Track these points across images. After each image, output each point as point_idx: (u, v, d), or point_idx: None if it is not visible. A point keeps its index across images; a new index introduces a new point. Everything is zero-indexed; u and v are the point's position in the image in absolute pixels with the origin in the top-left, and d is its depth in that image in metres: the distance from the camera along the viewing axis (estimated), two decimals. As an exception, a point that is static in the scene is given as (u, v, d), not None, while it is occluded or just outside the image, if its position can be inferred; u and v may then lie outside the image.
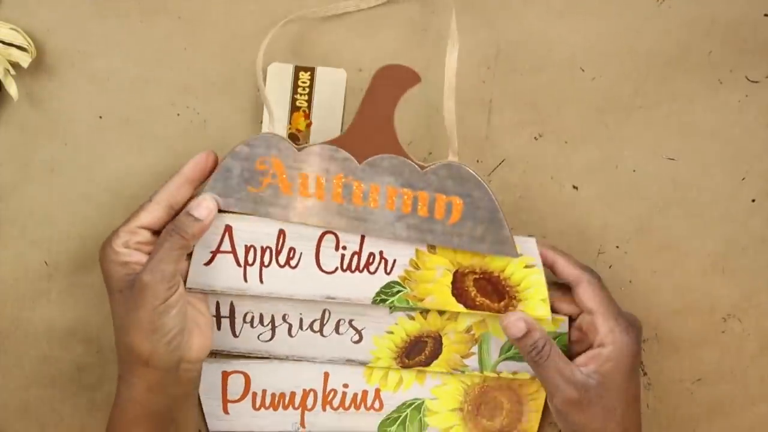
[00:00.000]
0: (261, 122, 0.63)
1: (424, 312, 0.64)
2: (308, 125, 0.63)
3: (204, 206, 0.59)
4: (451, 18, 0.60)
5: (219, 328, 0.65)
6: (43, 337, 0.67)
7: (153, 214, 0.59)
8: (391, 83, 0.57)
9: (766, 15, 0.63)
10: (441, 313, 0.64)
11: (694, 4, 0.62)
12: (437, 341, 0.65)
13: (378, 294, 0.62)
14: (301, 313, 0.64)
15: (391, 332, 0.65)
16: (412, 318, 0.64)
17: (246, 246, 0.61)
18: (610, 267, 0.67)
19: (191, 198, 0.60)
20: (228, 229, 0.60)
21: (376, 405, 0.67)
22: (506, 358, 0.65)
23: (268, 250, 0.61)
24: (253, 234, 0.61)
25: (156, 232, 0.59)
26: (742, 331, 0.69)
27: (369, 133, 0.58)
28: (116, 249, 0.58)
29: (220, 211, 0.60)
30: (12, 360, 0.68)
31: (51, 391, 0.69)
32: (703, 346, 0.69)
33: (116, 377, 0.68)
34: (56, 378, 0.68)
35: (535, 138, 0.65)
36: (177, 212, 0.59)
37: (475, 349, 0.65)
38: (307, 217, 0.60)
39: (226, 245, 0.61)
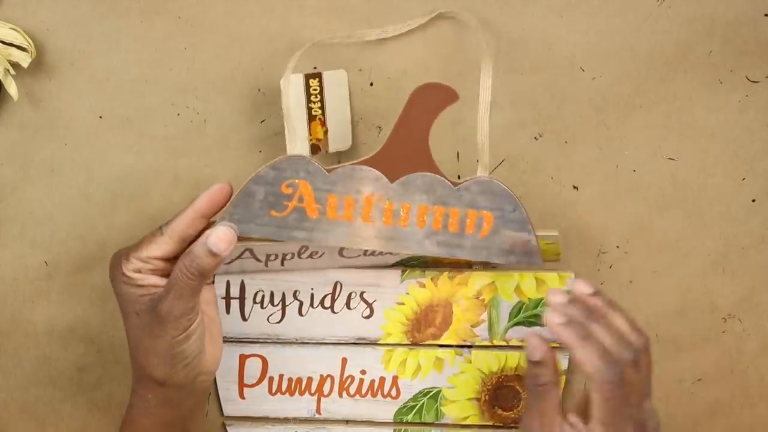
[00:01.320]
0: (286, 136, 0.63)
1: (435, 278, 0.65)
2: (325, 132, 0.62)
3: (223, 240, 0.55)
4: (482, 36, 0.60)
5: (228, 311, 0.65)
6: (43, 337, 0.67)
7: (164, 247, 0.57)
8: (428, 102, 0.57)
9: (766, 15, 0.63)
10: (451, 277, 0.64)
11: (694, 4, 0.62)
12: (447, 310, 0.65)
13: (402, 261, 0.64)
14: (312, 289, 0.64)
15: (402, 303, 0.65)
16: (423, 285, 0.65)
17: (267, 254, 0.62)
18: (610, 267, 0.67)
19: (207, 225, 0.58)
20: (249, 249, 0.61)
21: (393, 393, 0.67)
22: (515, 324, 0.65)
23: (290, 254, 0.62)
24: (273, 247, 0.61)
25: (168, 259, 0.57)
26: (742, 331, 0.69)
27: (403, 152, 0.57)
28: (128, 275, 0.56)
29: (238, 239, 0.57)
30: (12, 360, 0.68)
31: (51, 391, 0.69)
32: (703, 346, 0.69)
33: (116, 377, 0.68)
34: (56, 378, 0.68)
35: (535, 138, 0.65)
36: (190, 242, 0.57)
37: (485, 316, 0.66)
38: (333, 239, 0.58)
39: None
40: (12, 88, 0.61)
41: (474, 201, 0.58)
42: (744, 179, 0.66)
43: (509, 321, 0.66)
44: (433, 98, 0.57)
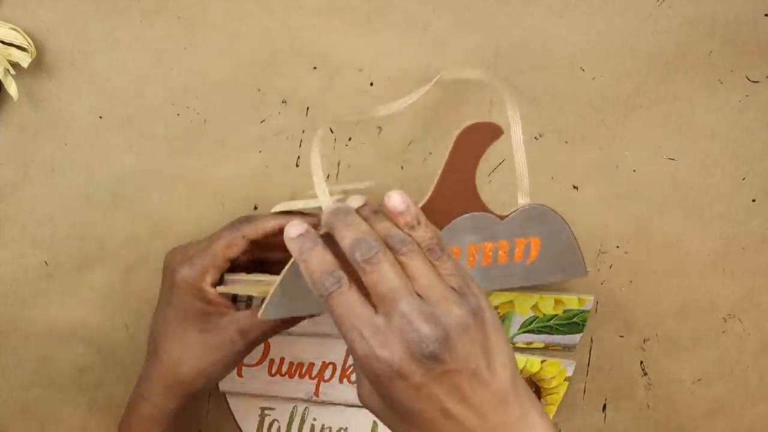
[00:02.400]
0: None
1: None
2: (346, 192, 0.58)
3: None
4: (505, 91, 0.59)
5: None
6: (43, 337, 0.67)
7: (239, 246, 0.58)
8: (473, 141, 0.55)
9: (766, 15, 0.63)
10: None
11: (694, 4, 0.62)
12: None
13: None
14: None
15: None
16: None
17: None
18: (610, 267, 0.67)
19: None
20: None
21: None
22: (525, 331, 0.65)
23: None
24: None
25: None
26: (742, 331, 0.69)
27: (451, 196, 0.55)
28: (206, 288, 0.58)
29: (284, 322, 0.58)
30: (12, 360, 0.68)
31: (51, 391, 0.69)
32: (704, 346, 0.69)
33: (117, 378, 0.68)
34: (56, 378, 0.68)
35: (535, 138, 0.65)
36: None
37: None
38: None
39: None
40: (12, 88, 0.61)
41: (521, 230, 0.57)
42: (744, 179, 0.66)
43: (520, 329, 0.66)
44: (479, 137, 0.55)
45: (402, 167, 0.65)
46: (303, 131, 0.64)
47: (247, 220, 0.59)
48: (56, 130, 0.64)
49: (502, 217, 0.57)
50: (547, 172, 0.65)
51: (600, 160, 0.65)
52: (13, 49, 0.60)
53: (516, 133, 0.59)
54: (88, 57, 0.62)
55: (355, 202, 0.51)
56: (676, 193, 0.66)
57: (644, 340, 0.69)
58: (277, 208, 0.59)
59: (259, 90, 0.63)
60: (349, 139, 0.64)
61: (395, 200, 0.50)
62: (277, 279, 0.52)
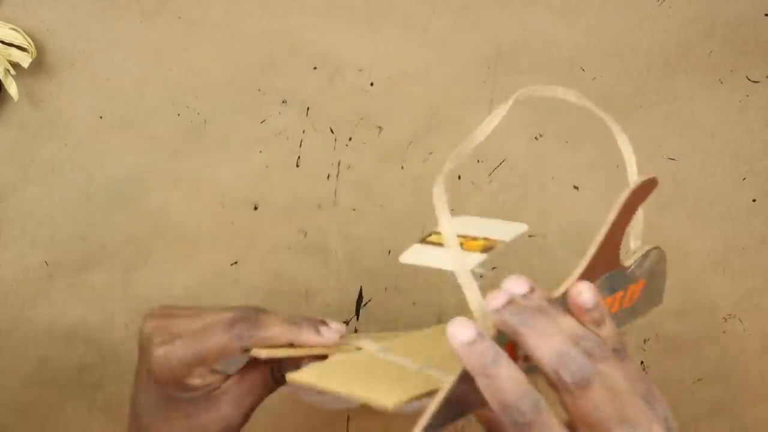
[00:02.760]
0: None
1: None
2: (485, 240, 0.49)
3: None
4: (613, 124, 0.56)
5: None
6: (43, 337, 0.67)
7: (235, 353, 0.50)
8: (635, 198, 0.51)
9: (766, 15, 0.63)
10: None
11: (694, 4, 0.62)
12: None
13: None
14: None
15: None
16: None
17: None
18: (610, 267, 0.67)
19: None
20: None
21: None
22: None
23: None
24: None
25: None
26: (742, 331, 0.69)
27: (603, 257, 0.49)
28: (192, 382, 0.50)
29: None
30: (12, 360, 0.68)
31: (51, 391, 0.69)
32: (704, 346, 0.69)
33: (117, 378, 0.68)
34: (56, 378, 0.68)
35: (535, 138, 0.65)
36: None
37: None
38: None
39: None
40: (12, 88, 0.61)
41: (634, 276, 0.54)
42: (744, 179, 0.66)
43: None
44: (641, 194, 0.51)
45: (402, 167, 0.65)
46: (303, 131, 0.64)
47: (250, 325, 0.49)
48: (56, 130, 0.64)
49: (626, 268, 0.52)
50: (547, 172, 0.65)
51: (600, 160, 0.65)
52: (13, 49, 0.60)
53: (631, 167, 0.53)
54: (88, 57, 0.62)
55: (520, 286, 0.42)
56: (676, 193, 0.66)
57: (644, 340, 0.69)
58: (408, 258, 0.47)
59: (259, 90, 0.63)
60: (350, 138, 0.64)
61: (587, 296, 0.43)
62: (438, 397, 0.41)
